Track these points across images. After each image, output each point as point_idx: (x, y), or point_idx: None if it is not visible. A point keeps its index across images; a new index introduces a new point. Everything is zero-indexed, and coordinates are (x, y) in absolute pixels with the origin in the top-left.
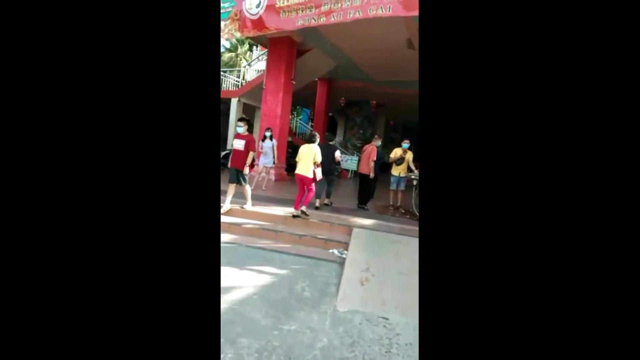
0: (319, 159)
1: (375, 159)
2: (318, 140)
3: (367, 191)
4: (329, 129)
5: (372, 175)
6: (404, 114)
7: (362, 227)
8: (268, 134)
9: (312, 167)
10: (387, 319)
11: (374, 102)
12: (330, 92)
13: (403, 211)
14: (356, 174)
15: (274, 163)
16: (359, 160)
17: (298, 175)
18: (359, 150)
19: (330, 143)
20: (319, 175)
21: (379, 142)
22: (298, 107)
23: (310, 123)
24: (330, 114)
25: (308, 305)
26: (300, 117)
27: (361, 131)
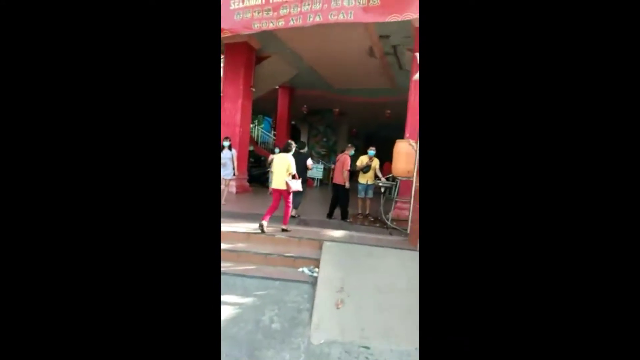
0: (293, 170)
1: (349, 168)
2: (294, 149)
3: (343, 201)
4: (293, 137)
5: (347, 185)
6: (366, 122)
7: (332, 240)
8: (227, 143)
9: (287, 178)
10: (368, 348)
11: (337, 110)
12: (292, 100)
13: (372, 219)
14: (322, 182)
15: (234, 174)
16: (333, 170)
17: (274, 189)
18: (323, 158)
19: (302, 151)
20: (295, 186)
21: (352, 151)
22: (259, 115)
23: (272, 132)
24: (293, 122)
25: (277, 340)
26: (262, 125)
27: (325, 139)
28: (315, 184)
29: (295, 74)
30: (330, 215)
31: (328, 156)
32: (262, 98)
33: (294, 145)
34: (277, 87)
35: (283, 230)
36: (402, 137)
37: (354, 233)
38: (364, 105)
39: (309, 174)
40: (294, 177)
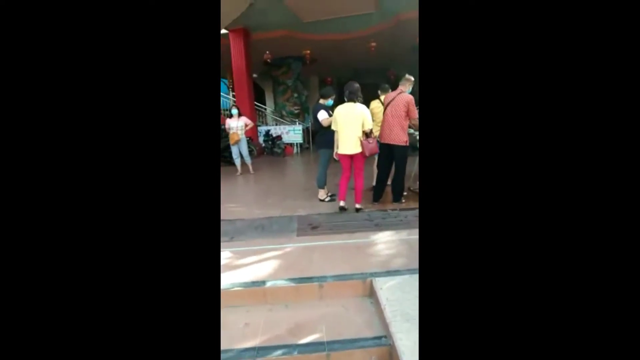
0: (370, 124)
1: (417, 115)
2: (359, 95)
3: (400, 172)
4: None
5: (407, 143)
6: (341, 68)
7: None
8: (235, 111)
9: (360, 135)
10: None
11: (307, 53)
12: (248, 48)
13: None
14: (302, 147)
15: (251, 152)
16: (382, 123)
17: (343, 155)
18: (297, 117)
19: (321, 102)
20: (371, 148)
21: (409, 87)
22: None
23: (232, 94)
24: (254, 81)
25: None
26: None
27: (295, 95)
28: (295, 150)
29: (248, 4)
30: (378, 195)
31: (302, 115)
32: None
33: (354, 90)
34: (225, 30)
35: (357, 210)
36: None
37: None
38: (340, 45)
39: (287, 139)
40: (368, 135)
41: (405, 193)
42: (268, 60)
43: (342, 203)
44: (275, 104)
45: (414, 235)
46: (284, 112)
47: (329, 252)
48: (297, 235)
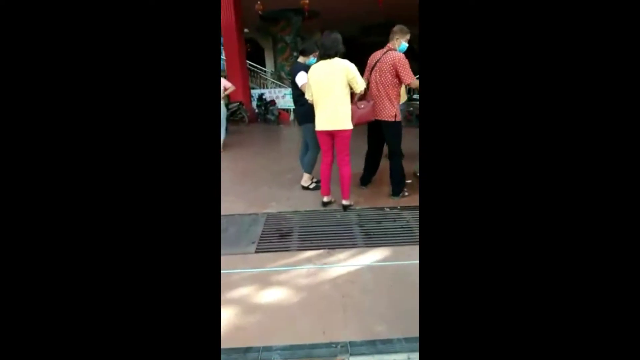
0: (361, 84)
1: (411, 78)
2: (340, 48)
3: (396, 155)
4: (254, 58)
5: (399, 117)
6: (343, 24)
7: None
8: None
9: (347, 105)
10: None
11: (306, 1)
12: (239, 0)
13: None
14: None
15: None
16: (366, 94)
17: (322, 132)
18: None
19: (300, 60)
20: (363, 115)
21: (402, 44)
22: None
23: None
24: (251, 39)
25: None
26: None
27: (295, 53)
28: (292, 116)
29: None
30: (367, 179)
31: None
32: None
33: (335, 44)
34: None
35: (345, 207)
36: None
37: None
38: None
39: (283, 104)
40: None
41: (409, 181)
42: (260, 12)
43: (325, 198)
44: (275, 64)
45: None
46: (282, 74)
47: (290, 290)
48: (256, 251)
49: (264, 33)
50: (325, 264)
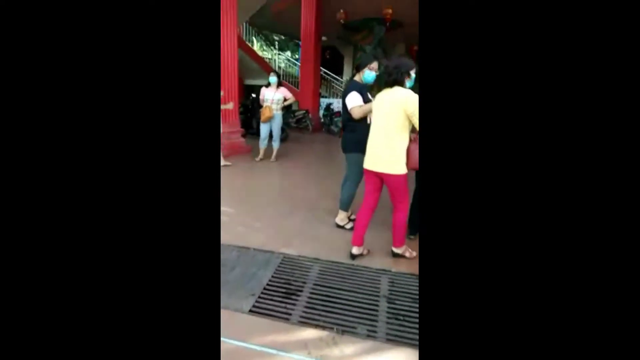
0: (416, 122)
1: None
2: (401, 77)
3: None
4: (332, 66)
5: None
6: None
7: None
8: (273, 79)
9: (399, 146)
10: None
11: (389, 10)
12: (320, 5)
13: None
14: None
15: (282, 133)
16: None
17: (370, 172)
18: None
19: (356, 79)
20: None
21: (410, 80)
22: (282, 37)
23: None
24: (332, 46)
25: None
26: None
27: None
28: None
29: None
30: (416, 225)
31: (378, 89)
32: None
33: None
34: None
35: (395, 254)
36: None
37: None
38: None
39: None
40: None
41: None
42: (342, 20)
43: (355, 249)
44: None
45: None
46: None
47: None
48: (250, 310)
49: (345, 42)
50: (323, 357)
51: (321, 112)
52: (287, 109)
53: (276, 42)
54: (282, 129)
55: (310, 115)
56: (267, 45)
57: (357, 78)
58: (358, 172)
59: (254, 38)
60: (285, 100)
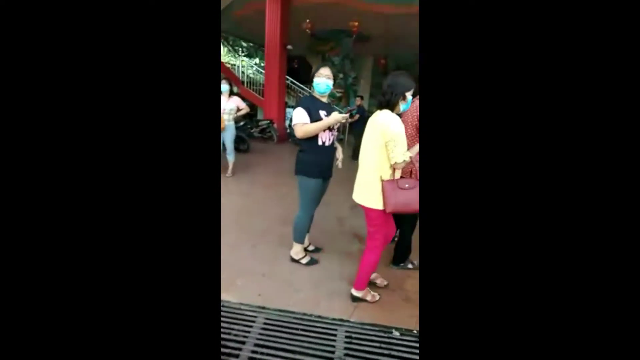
0: (395, 155)
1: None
2: (393, 98)
3: (406, 229)
4: (299, 74)
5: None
6: (397, 46)
7: None
8: (225, 87)
9: (377, 178)
10: None
11: (355, 23)
12: (285, 13)
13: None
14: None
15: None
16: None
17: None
18: (339, 102)
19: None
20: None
21: (406, 101)
22: (248, 43)
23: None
24: (301, 56)
25: None
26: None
27: (341, 75)
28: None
29: None
30: (399, 258)
31: (346, 99)
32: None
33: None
34: None
35: (355, 299)
36: None
37: None
38: (394, 20)
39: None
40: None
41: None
42: (308, 30)
43: (355, 292)
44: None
45: None
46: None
47: None
48: None
49: (313, 52)
50: None
51: (287, 122)
52: (249, 118)
53: (243, 49)
54: (244, 140)
55: (275, 125)
56: (233, 51)
57: (315, 93)
58: (309, 199)
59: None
60: (238, 110)
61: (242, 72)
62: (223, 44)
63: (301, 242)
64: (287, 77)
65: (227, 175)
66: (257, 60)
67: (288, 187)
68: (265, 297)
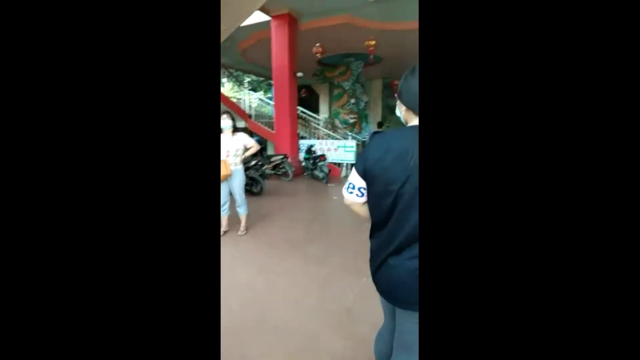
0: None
1: None
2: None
3: None
4: (307, 104)
5: None
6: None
7: None
8: (228, 123)
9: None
10: None
11: (372, 42)
12: (293, 39)
13: None
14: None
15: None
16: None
17: None
18: (353, 128)
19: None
20: None
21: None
22: (253, 77)
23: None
24: (306, 85)
25: None
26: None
27: (352, 100)
28: (344, 172)
29: None
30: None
31: (359, 125)
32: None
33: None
34: (267, 17)
35: None
36: None
37: None
38: (405, 37)
39: (335, 157)
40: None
41: None
42: (318, 55)
43: None
44: (330, 110)
45: None
46: (336, 122)
47: None
48: None
49: (320, 79)
50: None
51: (302, 155)
52: (260, 154)
53: (246, 82)
54: (257, 181)
55: (289, 160)
56: (238, 85)
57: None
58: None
59: (225, 79)
60: (246, 150)
61: (249, 106)
62: (229, 78)
63: None
64: (298, 107)
65: (239, 233)
66: (261, 92)
67: (316, 246)
68: None
